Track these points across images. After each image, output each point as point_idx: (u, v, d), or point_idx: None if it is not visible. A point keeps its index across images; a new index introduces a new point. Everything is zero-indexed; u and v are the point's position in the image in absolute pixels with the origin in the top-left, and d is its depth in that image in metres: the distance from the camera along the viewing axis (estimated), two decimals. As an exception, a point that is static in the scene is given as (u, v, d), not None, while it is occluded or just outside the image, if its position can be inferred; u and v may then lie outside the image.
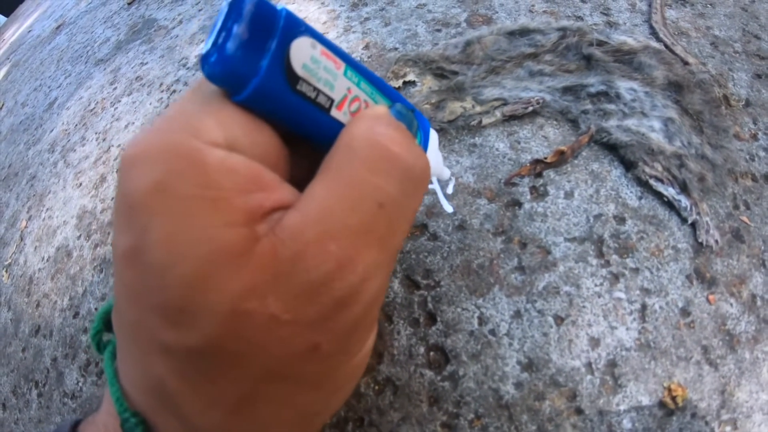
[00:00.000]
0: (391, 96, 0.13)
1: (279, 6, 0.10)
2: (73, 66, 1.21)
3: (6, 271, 0.78)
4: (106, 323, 0.14)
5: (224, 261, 0.09)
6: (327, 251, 0.10)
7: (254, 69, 0.09)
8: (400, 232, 0.11)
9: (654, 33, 0.70)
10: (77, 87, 1.04)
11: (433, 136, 0.15)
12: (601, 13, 0.76)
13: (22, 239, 0.80)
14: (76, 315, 0.65)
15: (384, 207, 0.10)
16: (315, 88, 0.10)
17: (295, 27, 0.10)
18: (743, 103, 0.70)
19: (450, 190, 0.63)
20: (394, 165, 0.11)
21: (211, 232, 0.09)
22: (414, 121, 0.12)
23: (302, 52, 0.10)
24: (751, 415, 0.51)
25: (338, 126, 0.11)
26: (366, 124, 0.11)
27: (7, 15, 2.73)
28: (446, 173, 0.17)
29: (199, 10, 0.89)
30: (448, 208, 0.58)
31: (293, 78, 0.10)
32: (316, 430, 0.13)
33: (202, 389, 0.10)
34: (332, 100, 0.11)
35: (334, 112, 0.11)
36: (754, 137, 0.66)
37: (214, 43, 0.09)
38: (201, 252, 0.09)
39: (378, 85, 0.12)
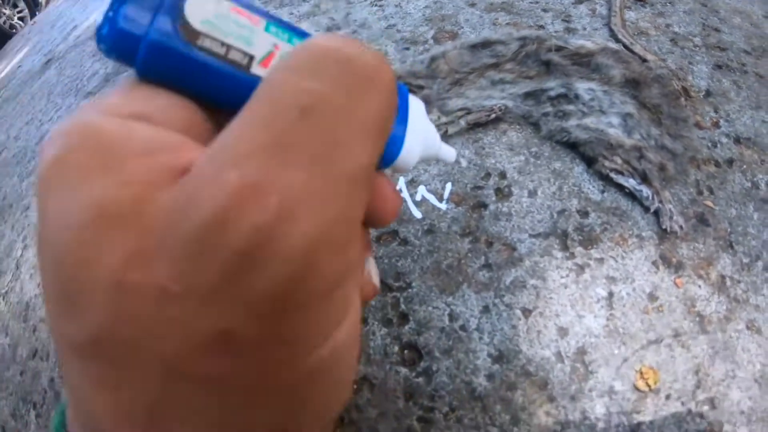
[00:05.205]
0: None
1: None
2: (64, 99, 1.25)
3: (3, 299, 0.80)
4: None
5: (109, 224, 0.08)
6: (222, 181, 0.07)
7: (143, 31, 0.09)
8: (349, 144, 0.08)
9: (613, 35, 0.73)
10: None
11: (417, 104, 0.12)
12: (562, 20, 0.80)
13: (17, 268, 0.82)
14: (71, 338, 0.67)
15: (310, 112, 0.08)
16: (223, 43, 0.10)
17: None
18: (703, 93, 0.72)
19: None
20: (324, 59, 0.08)
21: (97, 194, 0.08)
22: None
23: (201, 9, 0.10)
24: (728, 393, 0.52)
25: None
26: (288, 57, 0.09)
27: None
28: (451, 154, 0.14)
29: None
30: (417, 213, 0.60)
31: (192, 34, 0.10)
32: None
33: (109, 396, 0.08)
34: (251, 56, 0.10)
35: (257, 69, 0.10)
36: (716, 125, 0.69)
37: (106, 15, 0.09)
38: (84, 218, 0.08)
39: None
